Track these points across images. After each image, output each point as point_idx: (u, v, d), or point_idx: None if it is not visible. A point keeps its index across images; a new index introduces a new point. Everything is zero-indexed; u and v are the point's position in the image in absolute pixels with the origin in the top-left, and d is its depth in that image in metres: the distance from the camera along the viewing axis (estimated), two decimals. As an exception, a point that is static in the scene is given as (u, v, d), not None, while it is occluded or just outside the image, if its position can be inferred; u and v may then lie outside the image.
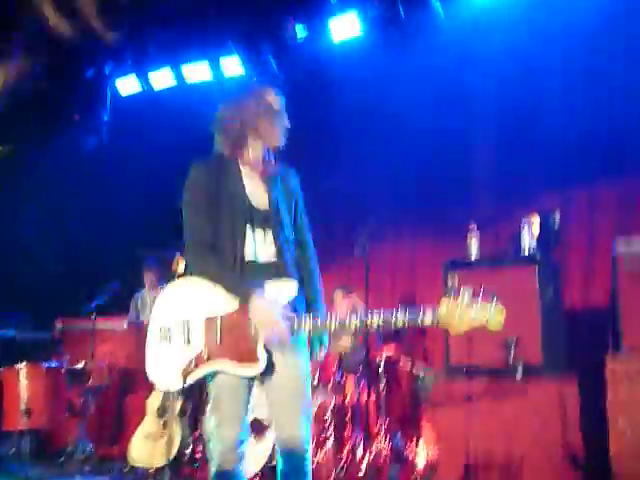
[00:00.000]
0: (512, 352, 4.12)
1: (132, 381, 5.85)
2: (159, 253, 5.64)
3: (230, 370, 2.47)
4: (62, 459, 5.23)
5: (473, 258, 4.64)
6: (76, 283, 7.04)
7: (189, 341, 2.52)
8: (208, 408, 2.60)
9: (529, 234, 4.57)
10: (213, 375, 2.52)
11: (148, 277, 6.30)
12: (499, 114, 5.77)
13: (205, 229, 2.59)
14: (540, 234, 4.68)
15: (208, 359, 2.48)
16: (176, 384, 2.50)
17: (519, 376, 4.12)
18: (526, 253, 4.50)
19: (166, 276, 6.19)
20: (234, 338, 2.45)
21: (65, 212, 7.27)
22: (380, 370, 4.92)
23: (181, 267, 5.37)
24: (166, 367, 2.55)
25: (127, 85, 7.71)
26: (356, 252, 4.59)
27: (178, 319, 2.57)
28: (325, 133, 6.76)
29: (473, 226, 4.75)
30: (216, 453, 2.54)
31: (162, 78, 7.42)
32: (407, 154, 6.11)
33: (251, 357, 2.42)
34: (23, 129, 6.95)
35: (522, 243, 4.52)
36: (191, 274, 2.62)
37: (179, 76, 7.35)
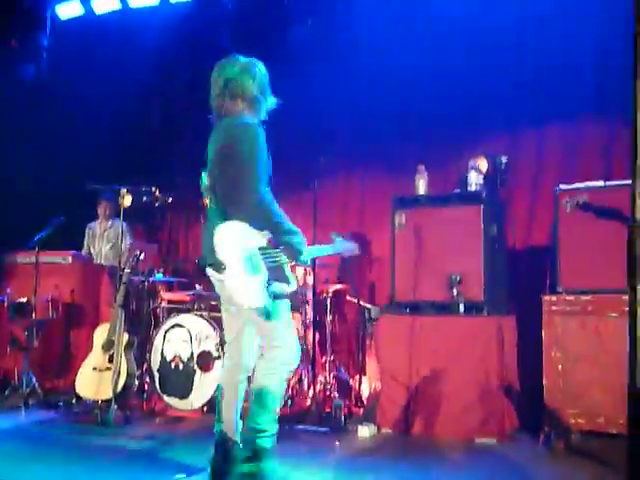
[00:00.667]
0: (455, 289, 4.24)
1: (77, 315, 5.80)
2: (105, 187, 5.50)
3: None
4: (6, 393, 5.18)
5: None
6: (19, 217, 6.83)
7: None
8: (285, 327, 3.00)
9: (476, 175, 4.64)
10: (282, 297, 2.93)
11: (102, 209, 6.46)
12: (450, 52, 5.73)
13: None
14: (487, 175, 4.76)
15: None
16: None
17: (462, 311, 4.26)
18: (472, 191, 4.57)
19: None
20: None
21: (8, 145, 6.96)
22: (327, 304, 5.01)
23: (127, 201, 5.28)
24: (253, 290, 2.80)
25: (68, 9, 7.32)
26: (308, 187, 4.59)
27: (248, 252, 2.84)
28: (282, 63, 6.62)
29: (421, 167, 4.79)
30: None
31: (105, 2, 7.09)
32: (360, 91, 6.07)
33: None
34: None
35: (469, 183, 4.59)
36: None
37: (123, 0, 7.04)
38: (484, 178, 4.66)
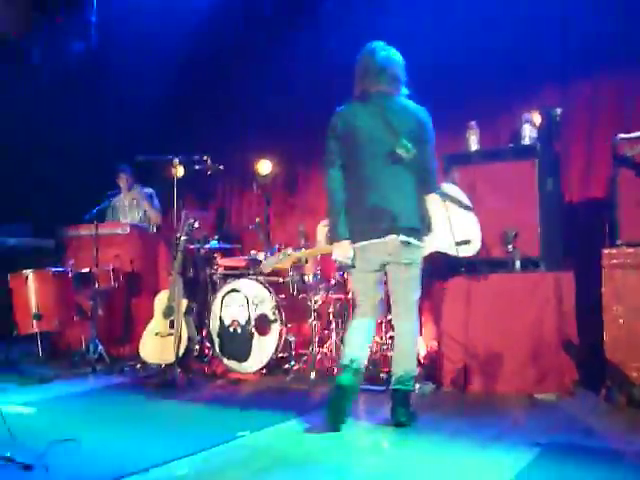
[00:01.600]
0: (511, 245, 4.18)
1: (137, 283, 5.98)
2: (156, 158, 5.60)
3: None
4: (76, 359, 5.40)
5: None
6: (76, 191, 7.03)
7: None
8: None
9: (530, 129, 4.52)
10: None
11: (123, 181, 6.56)
12: (497, 3, 5.57)
13: None
14: (541, 129, 4.64)
15: None
16: None
17: (518, 268, 4.21)
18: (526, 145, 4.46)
19: (162, 180, 6.22)
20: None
21: (61, 121, 7.14)
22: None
23: (180, 171, 5.37)
24: None
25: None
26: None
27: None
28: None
29: (472, 123, 4.70)
30: None
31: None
32: (407, 45, 5.95)
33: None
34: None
35: (522, 137, 4.48)
36: None
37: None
38: (538, 132, 4.54)
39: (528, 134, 4.47)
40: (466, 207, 3.79)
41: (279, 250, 4.48)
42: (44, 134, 7.19)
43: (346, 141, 3.47)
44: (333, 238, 3.56)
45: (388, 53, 3.52)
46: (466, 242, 3.74)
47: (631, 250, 3.86)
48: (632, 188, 3.92)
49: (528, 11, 5.43)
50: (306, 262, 5.08)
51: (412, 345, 3.57)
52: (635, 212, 3.90)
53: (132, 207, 6.57)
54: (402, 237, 3.41)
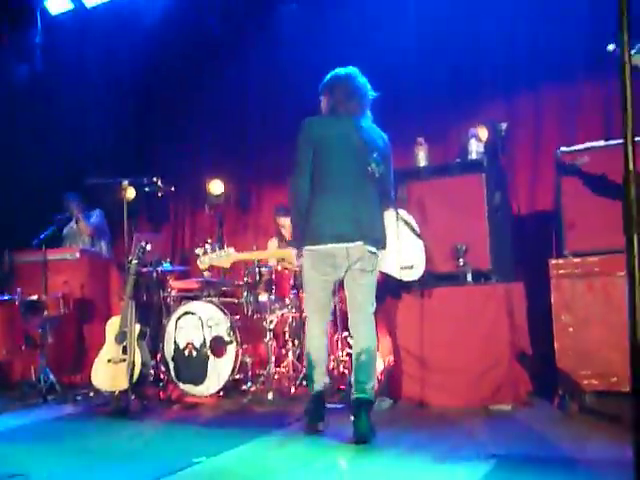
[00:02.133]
0: (461, 259, 4.24)
1: (88, 310, 5.85)
2: (106, 181, 5.51)
3: None
4: (25, 390, 5.23)
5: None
6: (23, 217, 6.86)
7: None
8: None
9: (476, 143, 4.61)
10: None
11: (71, 211, 6.45)
12: (443, 21, 5.69)
13: None
14: (487, 143, 4.73)
15: None
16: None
17: (469, 281, 4.26)
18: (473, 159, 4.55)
19: (113, 203, 6.13)
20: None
21: (6, 144, 6.98)
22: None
23: (130, 194, 5.29)
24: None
25: (57, 3, 7.28)
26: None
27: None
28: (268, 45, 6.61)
29: (421, 139, 4.77)
30: None
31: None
32: (354, 63, 6.02)
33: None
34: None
35: (469, 152, 4.57)
36: None
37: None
38: (485, 146, 4.63)
39: (475, 149, 4.56)
40: (416, 233, 3.90)
41: (221, 248, 4.47)
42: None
43: (318, 148, 3.59)
44: (297, 241, 3.68)
45: (363, 81, 3.75)
46: (409, 267, 3.87)
47: (578, 260, 3.96)
48: (575, 199, 4.02)
49: (473, 27, 5.56)
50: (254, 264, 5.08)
51: (373, 352, 3.61)
52: (580, 222, 4.00)
53: (79, 235, 6.45)
54: (368, 246, 3.55)
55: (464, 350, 4.21)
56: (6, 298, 5.17)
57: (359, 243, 3.53)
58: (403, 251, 3.80)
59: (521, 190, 5.35)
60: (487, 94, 5.66)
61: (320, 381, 3.69)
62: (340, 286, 3.82)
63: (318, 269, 3.60)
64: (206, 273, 5.38)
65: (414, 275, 3.90)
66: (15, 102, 7.45)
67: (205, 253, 4.43)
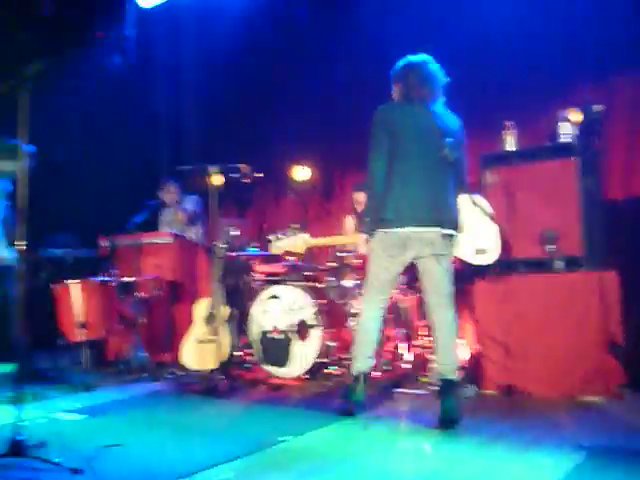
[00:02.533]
0: (551, 245, 4.12)
1: (178, 292, 6.06)
2: (194, 167, 5.68)
3: None
4: (120, 367, 5.50)
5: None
6: (118, 202, 7.18)
7: None
8: None
9: (569, 126, 4.45)
10: None
11: (170, 196, 6.58)
12: (535, 5, 5.52)
13: None
14: (581, 126, 4.56)
15: None
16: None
17: (560, 269, 4.14)
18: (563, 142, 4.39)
19: (201, 189, 6.32)
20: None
21: (102, 134, 7.31)
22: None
23: (218, 180, 5.43)
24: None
25: (148, -3, 7.53)
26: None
27: None
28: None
29: (509, 123, 4.65)
30: None
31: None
32: (444, 48, 5.95)
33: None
34: (47, 48, 6.91)
35: (560, 135, 4.41)
36: None
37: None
38: (577, 129, 4.47)
39: (567, 132, 4.40)
40: (490, 217, 3.83)
41: (295, 234, 4.35)
42: (87, 146, 7.36)
43: (394, 134, 3.61)
44: (367, 226, 3.70)
45: (436, 67, 3.75)
46: (483, 251, 3.81)
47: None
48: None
49: (567, 9, 5.36)
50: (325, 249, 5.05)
51: (454, 334, 3.66)
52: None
53: (177, 221, 6.67)
54: (446, 230, 3.58)
55: (552, 338, 4.10)
56: (104, 279, 5.43)
57: (435, 228, 3.55)
58: (477, 236, 3.75)
59: (616, 175, 5.13)
60: (580, 77, 5.45)
61: (365, 363, 3.75)
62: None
63: (388, 251, 3.62)
64: (291, 258, 5.48)
65: (488, 259, 3.83)
66: (110, 94, 7.78)
67: (278, 239, 4.39)
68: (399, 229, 3.56)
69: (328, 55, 6.86)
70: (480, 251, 3.79)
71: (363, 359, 3.74)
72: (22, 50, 6.98)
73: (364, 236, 3.75)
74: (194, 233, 6.55)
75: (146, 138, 7.70)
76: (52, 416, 3.31)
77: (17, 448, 3.01)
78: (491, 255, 3.83)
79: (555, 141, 4.45)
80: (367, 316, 3.74)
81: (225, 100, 7.57)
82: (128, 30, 7.80)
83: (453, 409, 3.48)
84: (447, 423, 3.45)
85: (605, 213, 4.61)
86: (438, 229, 3.56)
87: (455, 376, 3.58)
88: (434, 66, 3.76)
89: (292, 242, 4.26)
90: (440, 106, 3.75)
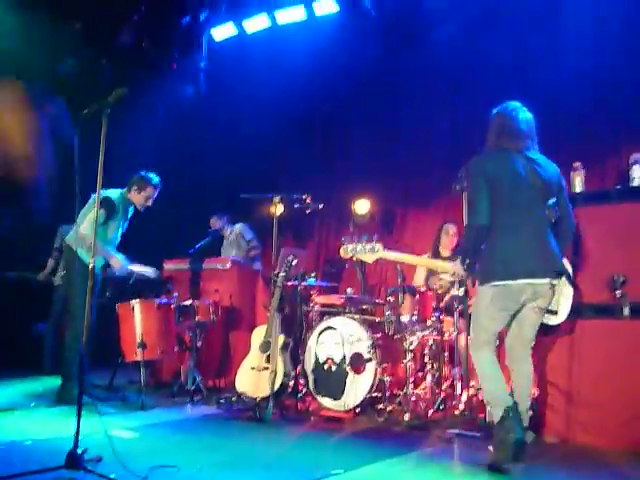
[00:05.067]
0: (620, 290, 3.99)
1: (235, 318, 6.12)
2: (259, 196, 5.79)
3: None
4: (174, 389, 5.57)
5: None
6: (184, 227, 7.37)
7: None
8: None
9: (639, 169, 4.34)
10: None
11: (215, 223, 6.87)
12: (605, 49, 5.48)
13: None
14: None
15: None
16: None
17: (627, 314, 4.00)
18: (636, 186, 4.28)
19: (262, 217, 6.46)
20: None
21: (169, 159, 7.54)
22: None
23: (279, 209, 5.53)
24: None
25: (222, 30, 7.80)
26: (454, 189, 4.55)
27: None
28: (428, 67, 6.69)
29: (578, 164, 4.56)
30: None
31: (256, 21, 7.50)
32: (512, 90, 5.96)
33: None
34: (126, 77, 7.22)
35: (632, 178, 4.31)
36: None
37: (272, 18, 7.40)
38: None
39: (638, 174, 4.29)
40: (570, 281, 3.77)
41: (368, 242, 4.07)
42: (154, 171, 7.59)
43: (494, 186, 3.49)
44: (474, 270, 3.66)
45: (528, 115, 3.67)
46: (554, 313, 3.76)
47: None
48: None
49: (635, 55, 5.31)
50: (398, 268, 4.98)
51: (531, 383, 3.69)
52: None
53: (231, 245, 6.81)
54: (554, 281, 3.51)
55: (616, 388, 3.95)
56: (164, 302, 5.53)
57: (546, 280, 3.47)
58: (554, 298, 3.66)
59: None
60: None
61: (505, 402, 3.47)
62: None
63: (499, 304, 3.52)
64: (349, 290, 5.48)
65: (555, 321, 3.80)
66: (181, 122, 8.03)
67: (352, 242, 4.13)
68: (511, 282, 3.45)
69: (397, 92, 6.93)
70: (552, 312, 3.73)
71: (502, 401, 3.46)
72: (103, 77, 7.32)
73: (457, 264, 3.69)
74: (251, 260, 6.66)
75: (213, 167, 7.90)
76: (108, 432, 3.36)
77: (75, 461, 3.08)
78: (560, 317, 3.80)
79: (627, 184, 4.34)
80: (483, 362, 3.59)
81: (292, 132, 7.70)
82: (201, 62, 8.09)
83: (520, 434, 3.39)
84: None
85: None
86: (548, 280, 3.48)
87: (526, 424, 3.53)
88: (528, 114, 3.68)
89: (364, 248, 4.05)
90: (537, 154, 3.65)
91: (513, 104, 3.69)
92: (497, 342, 3.63)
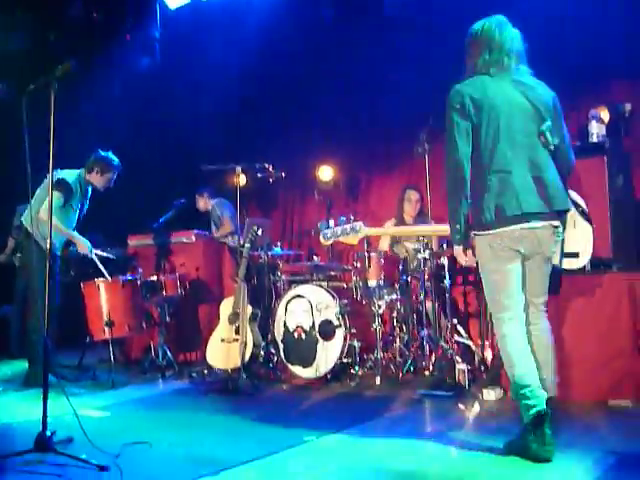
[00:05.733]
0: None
1: (202, 291, 6.08)
2: (219, 167, 5.71)
3: None
4: (145, 365, 5.54)
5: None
6: (144, 202, 7.24)
7: None
8: None
9: (597, 125, 4.38)
10: None
11: (202, 204, 6.86)
12: (566, 3, 5.46)
13: None
14: (609, 124, 4.48)
15: None
16: None
17: (587, 270, 4.07)
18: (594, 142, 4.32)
19: (225, 189, 6.37)
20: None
21: (127, 133, 7.38)
22: (444, 268, 4.95)
23: (242, 180, 5.47)
24: None
25: (175, -1, 7.58)
26: (416, 152, 4.53)
27: None
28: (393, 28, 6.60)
29: None
30: None
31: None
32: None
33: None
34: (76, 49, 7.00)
35: (590, 134, 4.34)
36: None
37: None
38: (606, 128, 4.39)
39: (596, 130, 4.33)
40: (586, 217, 3.48)
41: (347, 222, 3.64)
42: (111, 145, 7.44)
43: (478, 118, 3.00)
44: (462, 234, 3.07)
45: (514, 31, 3.16)
46: (575, 255, 3.48)
47: None
48: None
49: (594, 8, 5.30)
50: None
51: (552, 349, 3.17)
52: None
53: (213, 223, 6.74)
54: (555, 222, 3.03)
55: (581, 342, 4.02)
56: (129, 278, 5.46)
57: (549, 223, 2.99)
58: (571, 237, 3.33)
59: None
60: (609, 76, 5.37)
61: (539, 395, 2.96)
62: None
63: (502, 258, 3.00)
64: (315, 257, 5.47)
65: (578, 264, 3.49)
66: (137, 94, 7.84)
67: (328, 227, 3.68)
68: (505, 228, 2.95)
69: (353, 54, 6.84)
70: (571, 254, 3.44)
71: (537, 391, 2.96)
72: (51, 50, 7.09)
73: (459, 246, 3.12)
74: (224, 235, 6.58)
75: (171, 139, 7.75)
76: (78, 413, 3.32)
77: (44, 444, 3.05)
78: (582, 259, 3.52)
79: (585, 140, 4.37)
80: (504, 338, 3.05)
81: (249, 101, 7.59)
82: (155, 32, 7.88)
83: (551, 443, 2.90)
84: (540, 458, 2.90)
85: (636, 213, 4.53)
86: (550, 223, 2.99)
87: (554, 393, 3.08)
88: (513, 29, 3.16)
89: (345, 230, 3.61)
90: (527, 76, 3.14)
91: (497, 18, 3.16)
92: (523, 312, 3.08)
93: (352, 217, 3.67)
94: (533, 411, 2.93)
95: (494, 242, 2.99)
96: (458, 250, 3.12)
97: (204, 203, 6.83)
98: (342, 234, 3.62)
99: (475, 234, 3.05)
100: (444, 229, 3.31)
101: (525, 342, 3.03)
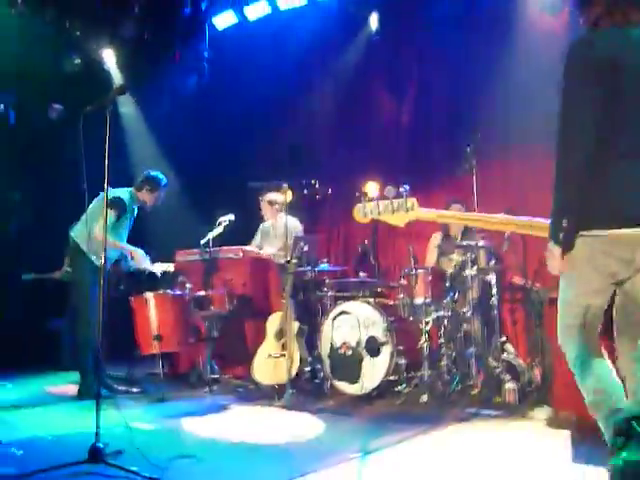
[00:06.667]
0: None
1: (250, 306, 6.12)
2: (267, 184, 5.79)
3: None
4: (192, 379, 5.60)
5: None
6: (193, 219, 7.37)
7: None
8: None
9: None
10: None
11: (270, 210, 6.47)
12: None
13: None
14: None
15: None
16: None
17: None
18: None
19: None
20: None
21: (177, 150, 7.54)
22: (492, 285, 4.89)
23: (288, 196, 5.53)
24: None
25: (224, 18, 7.77)
26: (463, 168, 4.50)
27: None
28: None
29: None
30: None
31: (257, 8, 7.47)
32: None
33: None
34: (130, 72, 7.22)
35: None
36: None
37: (273, 4, 7.36)
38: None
39: None
40: None
41: (395, 197, 2.87)
42: (160, 162, 7.60)
43: (608, 84, 2.24)
44: (562, 230, 2.31)
45: None
46: None
47: None
48: None
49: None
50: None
51: None
52: None
53: (279, 236, 6.68)
54: None
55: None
56: (178, 293, 5.55)
57: None
58: None
59: None
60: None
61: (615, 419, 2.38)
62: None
63: (600, 263, 2.31)
64: (362, 274, 5.47)
65: None
66: (185, 112, 8.02)
67: (370, 201, 2.92)
68: (617, 230, 2.26)
69: (400, 71, 6.88)
70: None
71: (611, 416, 2.40)
72: (104, 72, 7.31)
73: (556, 248, 2.36)
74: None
75: (218, 156, 7.89)
76: (128, 425, 3.39)
77: (96, 455, 3.11)
78: None
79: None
80: (575, 363, 2.44)
81: (296, 117, 7.67)
82: (204, 50, 8.06)
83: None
84: None
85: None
86: None
87: None
88: None
89: (391, 206, 2.82)
90: None
91: None
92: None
93: (406, 189, 2.86)
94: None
95: (596, 243, 2.32)
96: (555, 252, 2.36)
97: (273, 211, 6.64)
98: (385, 211, 2.85)
99: (582, 235, 2.34)
100: (529, 224, 2.67)
101: (603, 372, 2.44)
